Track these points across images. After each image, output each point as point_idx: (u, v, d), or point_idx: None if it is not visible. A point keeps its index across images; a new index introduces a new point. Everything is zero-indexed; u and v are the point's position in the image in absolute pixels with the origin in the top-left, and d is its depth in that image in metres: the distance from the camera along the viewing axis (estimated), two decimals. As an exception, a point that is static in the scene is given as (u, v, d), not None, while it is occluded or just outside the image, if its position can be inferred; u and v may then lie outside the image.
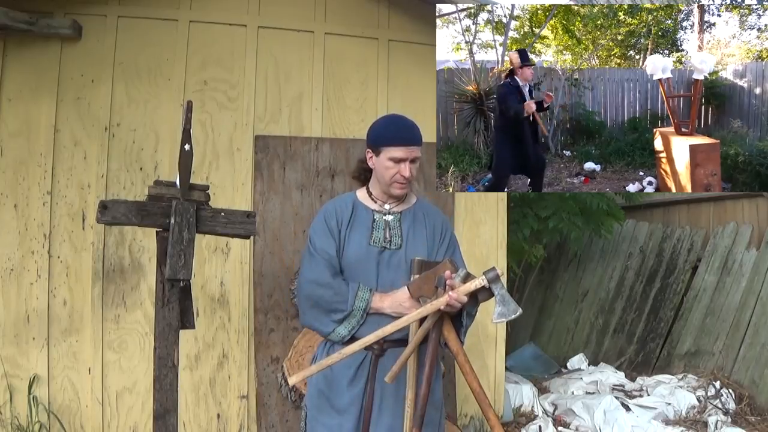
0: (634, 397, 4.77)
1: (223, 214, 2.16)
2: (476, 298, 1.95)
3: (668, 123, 3.61)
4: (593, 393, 4.84)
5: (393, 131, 2.08)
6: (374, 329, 1.97)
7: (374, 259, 2.07)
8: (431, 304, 1.92)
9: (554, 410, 4.59)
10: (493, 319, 1.92)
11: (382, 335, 1.95)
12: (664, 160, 3.40)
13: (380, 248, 2.08)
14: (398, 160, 2.04)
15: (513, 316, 1.91)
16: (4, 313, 3.39)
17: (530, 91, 3.16)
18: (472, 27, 3.83)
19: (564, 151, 3.94)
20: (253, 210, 3.55)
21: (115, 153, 3.55)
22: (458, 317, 2.04)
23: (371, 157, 2.12)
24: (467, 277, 1.91)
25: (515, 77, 3.10)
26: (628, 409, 4.31)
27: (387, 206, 2.15)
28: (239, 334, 3.62)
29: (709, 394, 4.63)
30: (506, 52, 3.80)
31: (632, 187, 3.69)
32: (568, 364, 5.83)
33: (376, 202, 2.16)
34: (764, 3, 3.63)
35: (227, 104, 3.70)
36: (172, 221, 2.03)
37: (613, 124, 4.07)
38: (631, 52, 4.01)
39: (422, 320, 1.98)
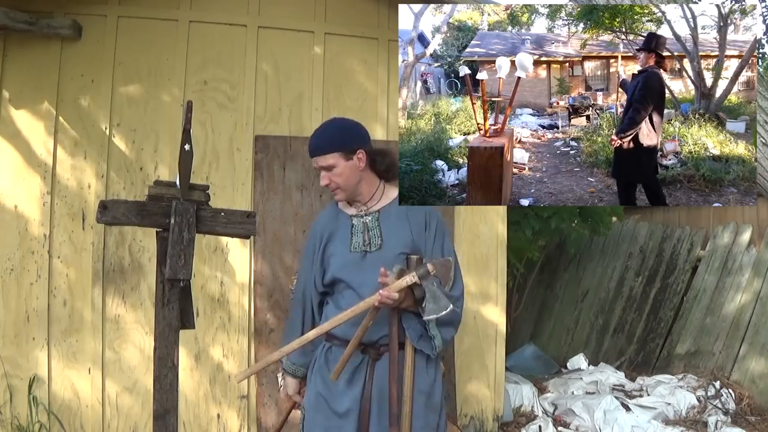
0: (634, 397, 4.76)
1: (223, 214, 2.15)
2: (415, 295, 1.95)
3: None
4: (593, 393, 4.84)
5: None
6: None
7: (356, 265, 2.07)
8: (365, 301, 1.94)
9: (554, 410, 4.59)
10: (423, 316, 1.93)
11: (321, 332, 2.01)
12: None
13: (361, 253, 2.08)
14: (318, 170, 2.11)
15: (443, 313, 1.91)
16: (4, 313, 3.39)
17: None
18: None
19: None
20: (253, 210, 3.55)
21: (115, 153, 3.55)
22: (415, 321, 2.03)
23: None
24: (401, 273, 1.93)
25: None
26: (628, 409, 4.31)
27: (364, 207, 2.14)
28: (239, 334, 3.62)
29: (709, 394, 4.63)
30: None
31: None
32: (568, 364, 5.82)
33: (352, 206, 2.16)
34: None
35: (227, 104, 3.70)
36: (172, 221, 2.03)
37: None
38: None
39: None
